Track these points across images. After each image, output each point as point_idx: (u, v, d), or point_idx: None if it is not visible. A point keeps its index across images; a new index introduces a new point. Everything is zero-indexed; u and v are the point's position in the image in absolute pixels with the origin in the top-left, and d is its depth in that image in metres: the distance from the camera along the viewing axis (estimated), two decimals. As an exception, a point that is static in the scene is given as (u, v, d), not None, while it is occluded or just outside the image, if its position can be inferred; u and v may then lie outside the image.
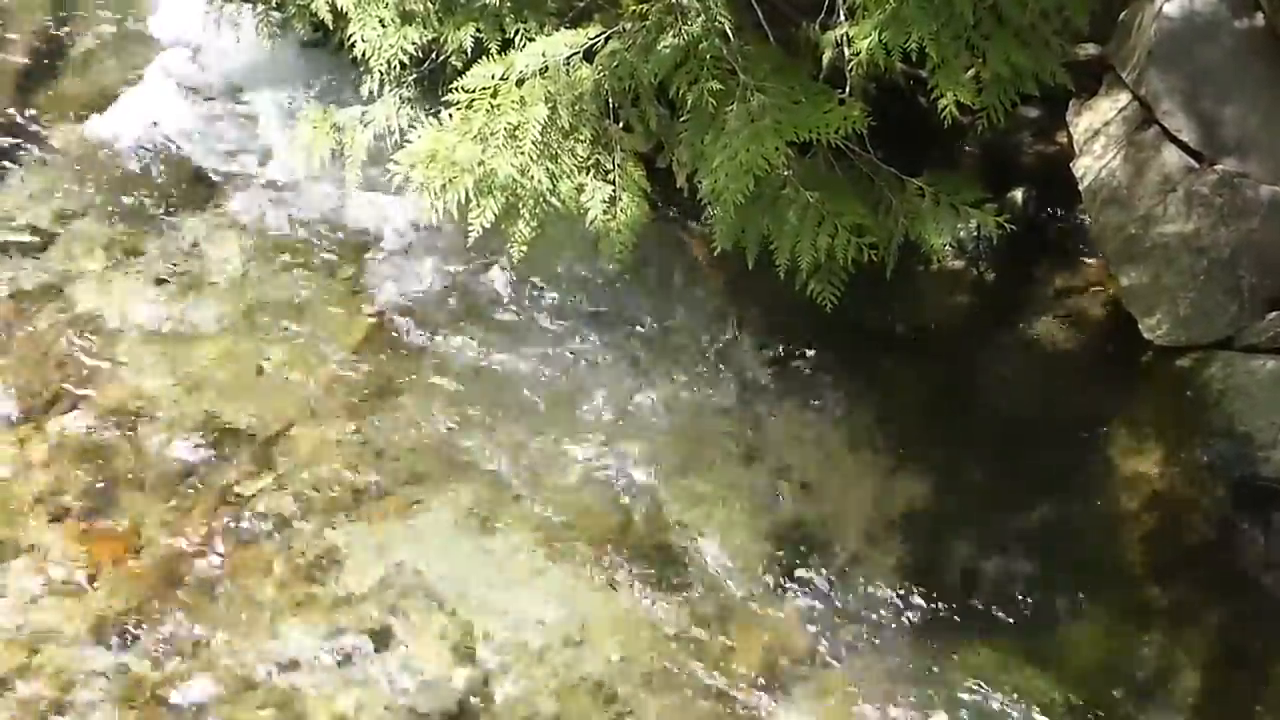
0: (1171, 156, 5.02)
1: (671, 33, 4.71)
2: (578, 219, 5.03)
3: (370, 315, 5.70)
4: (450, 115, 5.06)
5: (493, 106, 4.96)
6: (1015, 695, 4.76)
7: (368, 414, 5.41)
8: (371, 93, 5.57)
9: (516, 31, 5.20)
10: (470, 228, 4.95)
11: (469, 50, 5.25)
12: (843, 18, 4.67)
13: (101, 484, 5.14)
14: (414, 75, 5.51)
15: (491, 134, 4.92)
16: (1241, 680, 4.83)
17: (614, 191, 4.99)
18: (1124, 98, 5.22)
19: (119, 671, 4.71)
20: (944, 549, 5.12)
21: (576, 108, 4.99)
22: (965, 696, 4.76)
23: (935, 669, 4.82)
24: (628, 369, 5.57)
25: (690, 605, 4.96)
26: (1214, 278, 5.00)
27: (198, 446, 5.26)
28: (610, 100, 5.00)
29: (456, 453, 5.32)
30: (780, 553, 5.10)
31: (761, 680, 4.80)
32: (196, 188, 6.10)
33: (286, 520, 5.10)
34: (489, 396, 5.48)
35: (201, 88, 6.36)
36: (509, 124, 4.91)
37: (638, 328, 5.68)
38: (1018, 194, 5.73)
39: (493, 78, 5.01)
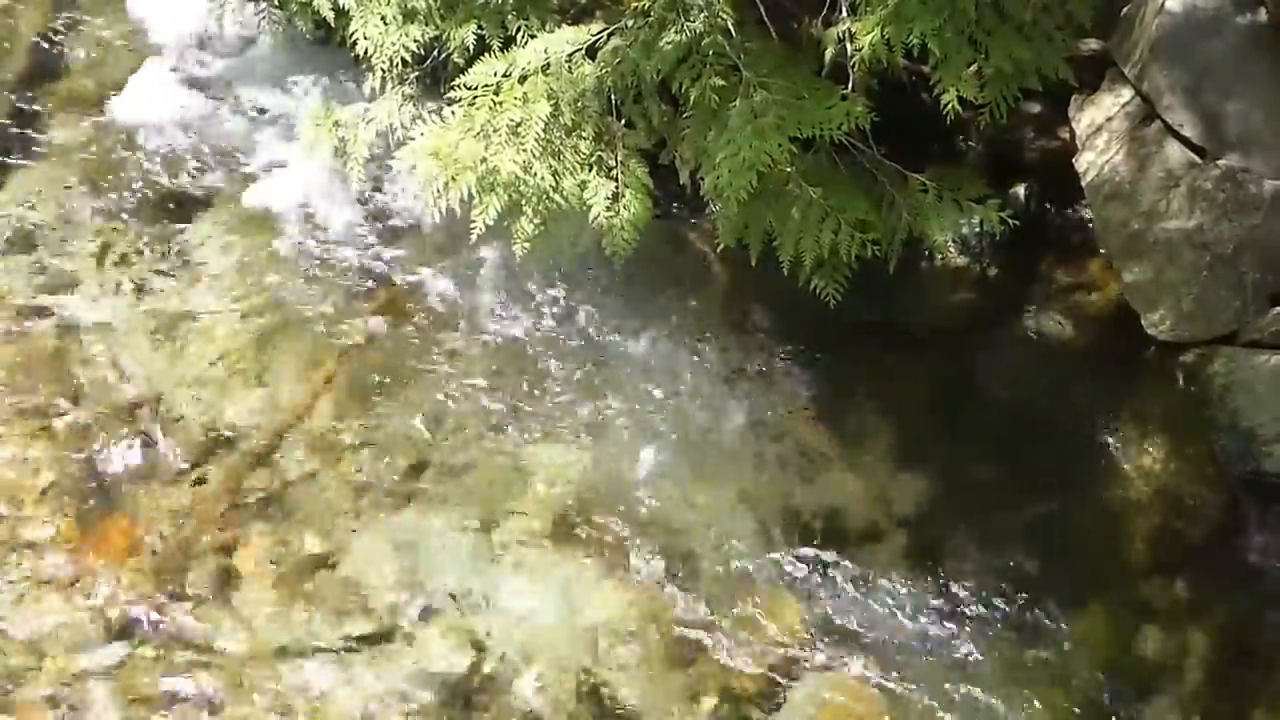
0: (1174, 152, 5.01)
1: (674, 29, 4.71)
2: (581, 216, 5.03)
3: (374, 311, 5.70)
4: (453, 112, 5.06)
5: (495, 103, 4.97)
6: (1018, 691, 4.76)
7: (370, 409, 5.41)
8: (373, 90, 5.58)
9: (519, 28, 5.20)
10: (473, 225, 4.96)
11: (471, 47, 5.25)
12: (845, 13, 4.67)
13: (103, 482, 5.14)
14: (416, 72, 5.51)
15: (494, 131, 4.92)
16: (1246, 676, 4.83)
17: (617, 188, 4.99)
18: (1126, 93, 5.21)
19: (121, 668, 4.71)
20: (947, 544, 5.12)
21: (579, 105, 4.99)
22: (968, 692, 4.76)
23: (939, 664, 4.83)
24: (631, 365, 5.57)
25: (693, 601, 4.96)
26: (1217, 273, 5.00)
27: (201, 443, 5.26)
28: (613, 97, 5.01)
29: (460, 448, 5.32)
30: (783, 549, 5.10)
31: (764, 676, 4.80)
32: (198, 185, 6.10)
33: (291, 516, 5.11)
34: (491, 392, 5.49)
35: (203, 85, 6.36)
36: (511, 121, 4.92)
37: (641, 324, 5.68)
38: (1020, 190, 5.72)
39: (495, 75, 5.02)
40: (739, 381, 5.54)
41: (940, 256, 5.43)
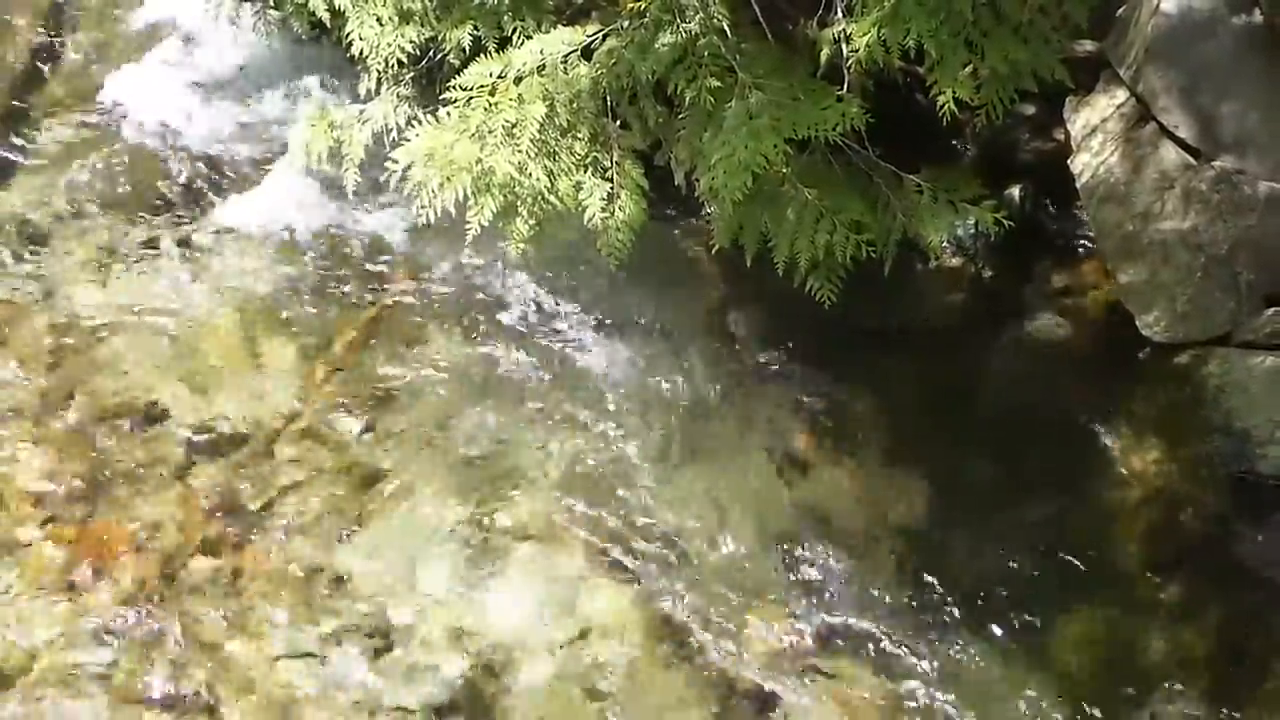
0: (1169, 153, 5.01)
1: (669, 30, 4.71)
2: (576, 217, 5.03)
3: (369, 311, 5.70)
4: (448, 113, 5.06)
5: (490, 104, 4.96)
6: (1013, 692, 4.77)
7: (367, 410, 5.41)
8: (369, 91, 5.58)
9: (514, 29, 5.20)
10: (468, 226, 4.96)
11: (467, 48, 5.26)
12: (841, 15, 4.67)
13: (100, 481, 5.13)
14: (412, 73, 5.52)
15: (489, 132, 4.92)
16: (1240, 677, 4.84)
17: (612, 189, 4.99)
18: (1121, 94, 5.22)
19: (116, 670, 4.70)
20: (942, 545, 5.12)
21: (574, 105, 4.99)
22: (963, 693, 4.77)
23: (934, 666, 4.83)
24: (626, 367, 5.57)
25: (688, 603, 4.96)
26: (1211, 274, 5.00)
27: (197, 443, 5.26)
28: (608, 98, 5.01)
29: (454, 449, 5.32)
30: (778, 550, 5.10)
31: (759, 678, 4.80)
32: (193, 184, 6.10)
33: (286, 516, 5.10)
34: (486, 393, 5.48)
35: (199, 85, 6.36)
36: (507, 122, 4.91)
37: (636, 325, 5.68)
38: (1015, 191, 5.73)
39: (490, 75, 5.01)
40: (733, 382, 5.54)
41: (935, 258, 5.43)
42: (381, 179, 5.28)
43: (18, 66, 6.49)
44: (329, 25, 5.64)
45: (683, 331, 5.67)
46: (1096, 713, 4.75)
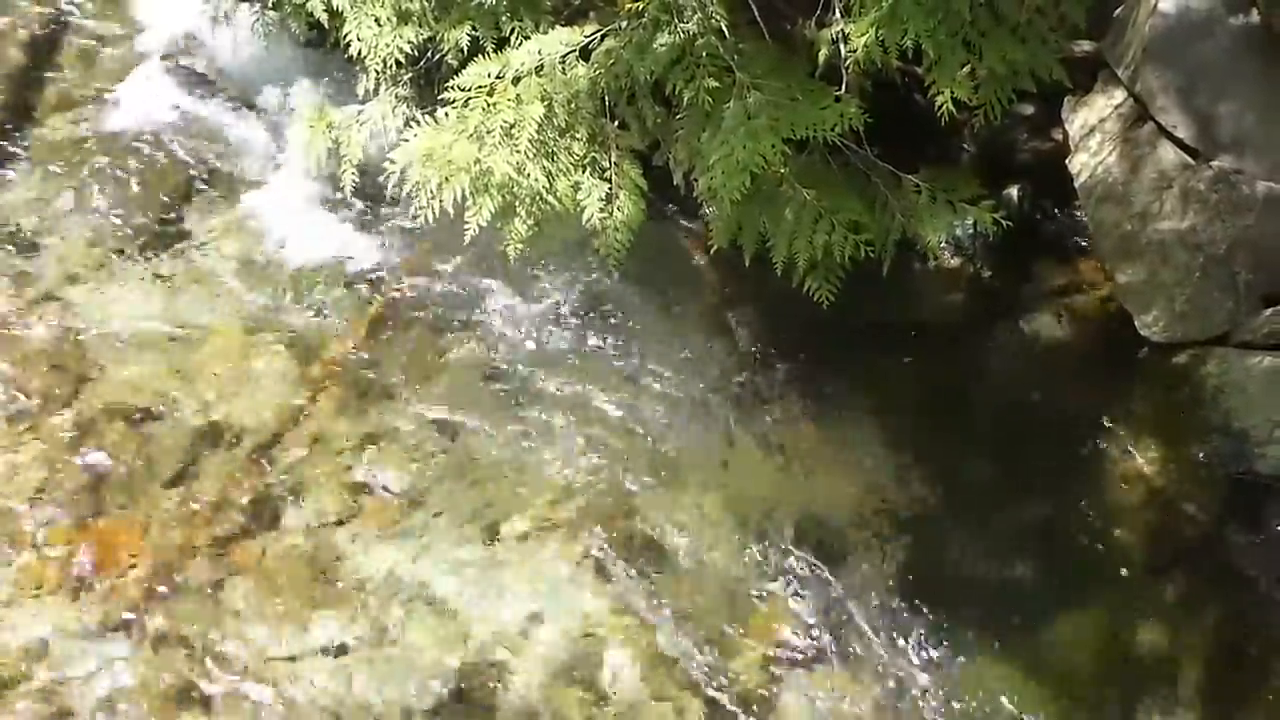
0: (1167, 153, 5.02)
1: (668, 30, 4.71)
2: (574, 217, 5.03)
3: (368, 314, 5.70)
4: (446, 114, 5.06)
5: (489, 105, 4.96)
6: (1010, 692, 4.77)
7: (366, 413, 5.41)
8: (367, 91, 5.58)
9: (512, 30, 5.20)
10: (466, 226, 4.95)
11: (465, 49, 5.26)
12: (839, 15, 4.68)
13: (99, 483, 5.13)
14: (410, 74, 5.51)
15: (488, 132, 4.92)
16: (1238, 677, 4.84)
17: (610, 189, 4.99)
18: (1119, 94, 5.23)
19: (119, 671, 4.70)
20: (941, 546, 5.13)
21: (573, 106, 4.99)
22: (961, 693, 4.77)
23: (932, 666, 4.83)
24: (624, 367, 5.57)
25: (687, 603, 4.96)
26: (1210, 274, 5.01)
27: (196, 446, 5.25)
28: (606, 98, 5.01)
29: (453, 452, 5.32)
30: (777, 551, 5.10)
31: (757, 678, 4.80)
32: (192, 186, 6.09)
33: (284, 519, 5.10)
34: (484, 395, 5.48)
35: (197, 86, 6.35)
36: (505, 122, 4.91)
37: (634, 326, 5.68)
38: (1014, 191, 5.74)
39: (489, 76, 5.01)
40: (731, 383, 5.54)
41: (934, 258, 5.44)
42: (380, 179, 5.29)
43: (15, 69, 6.48)
44: (327, 26, 5.64)
45: (681, 332, 5.67)
46: (1095, 712, 4.75)
